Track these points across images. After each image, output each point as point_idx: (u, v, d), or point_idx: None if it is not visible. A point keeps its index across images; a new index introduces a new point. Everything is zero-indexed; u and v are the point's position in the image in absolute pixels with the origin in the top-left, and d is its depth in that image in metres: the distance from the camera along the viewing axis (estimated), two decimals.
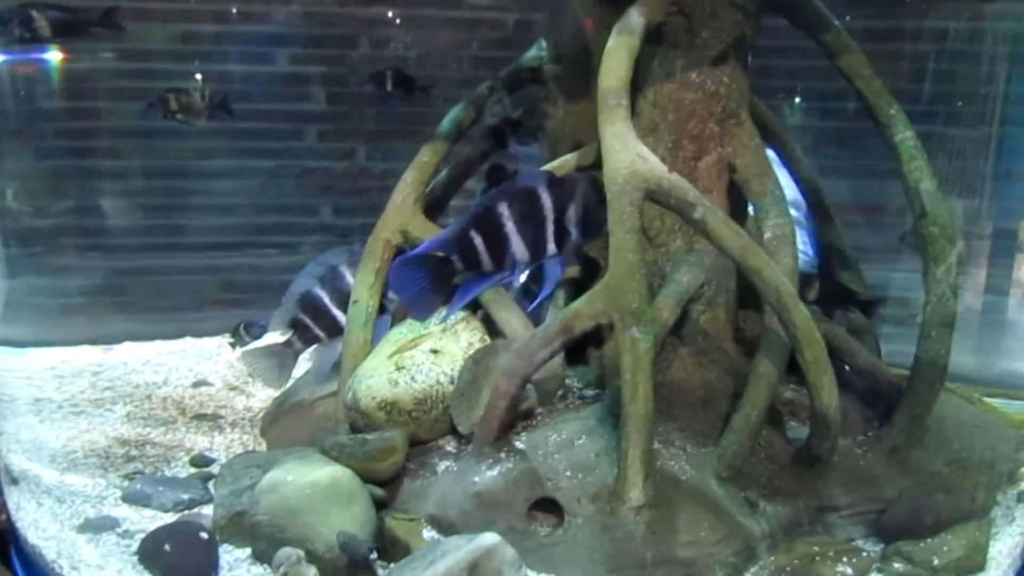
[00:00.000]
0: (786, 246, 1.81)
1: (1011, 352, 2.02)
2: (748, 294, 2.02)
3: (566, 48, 2.23)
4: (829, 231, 2.25)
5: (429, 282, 1.76)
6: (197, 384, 2.64)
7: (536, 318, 2.11)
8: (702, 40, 1.89)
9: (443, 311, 1.95)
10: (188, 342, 3.12)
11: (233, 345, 2.88)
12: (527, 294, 2.18)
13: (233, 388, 2.63)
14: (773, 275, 1.60)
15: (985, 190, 2.17)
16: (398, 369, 1.88)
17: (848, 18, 1.90)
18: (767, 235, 1.83)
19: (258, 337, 2.86)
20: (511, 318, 2.01)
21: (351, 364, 2.04)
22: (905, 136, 1.86)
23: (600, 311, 1.62)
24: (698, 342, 1.94)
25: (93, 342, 3.01)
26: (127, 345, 3.06)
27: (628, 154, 1.63)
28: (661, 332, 1.79)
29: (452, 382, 1.88)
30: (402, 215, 2.18)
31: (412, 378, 1.87)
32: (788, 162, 2.19)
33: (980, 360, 2.02)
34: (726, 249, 1.61)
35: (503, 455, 1.71)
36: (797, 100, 3.05)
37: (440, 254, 1.77)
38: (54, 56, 2.16)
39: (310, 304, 2.23)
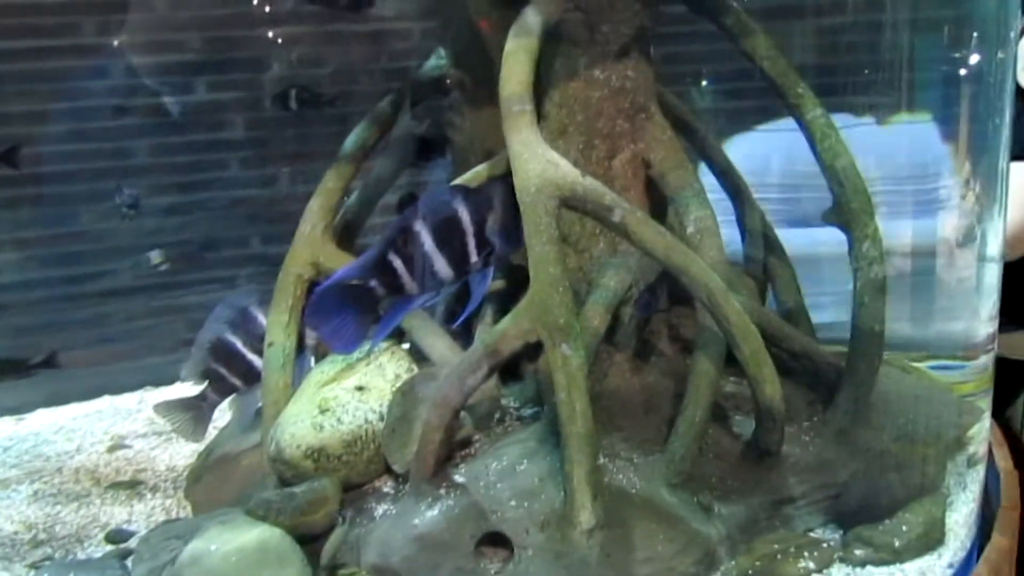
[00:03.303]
0: (710, 238, 1.76)
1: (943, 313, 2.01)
2: (678, 291, 1.97)
3: (465, 54, 2.14)
4: (751, 217, 2.22)
5: (351, 312, 1.68)
6: (113, 448, 2.47)
7: (465, 338, 2.03)
8: (602, 35, 1.83)
9: (369, 343, 1.87)
10: (105, 400, 2.94)
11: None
12: (453, 316, 2.09)
13: (154, 447, 2.47)
14: (700, 271, 1.54)
15: None
16: (322, 412, 1.76)
17: None
18: (690, 229, 1.78)
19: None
20: (437, 343, 1.92)
21: (273, 412, 1.91)
22: (816, 114, 1.83)
23: (527, 330, 1.54)
24: (632, 346, 1.88)
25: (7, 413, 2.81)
26: (40, 413, 2.87)
27: (538, 162, 1.55)
28: (593, 341, 1.72)
29: (382, 419, 1.77)
30: (312, 246, 2.06)
31: (338, 420, 1.75)
32: (701, 150, 2.15)
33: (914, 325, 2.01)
34: (649, 250, 1.55)
35: (443, 491, 1.61)
36: (704, 83, 3.03)
37: (359, 282, 1.69)
38: None
39: (222, 351, 2.08)
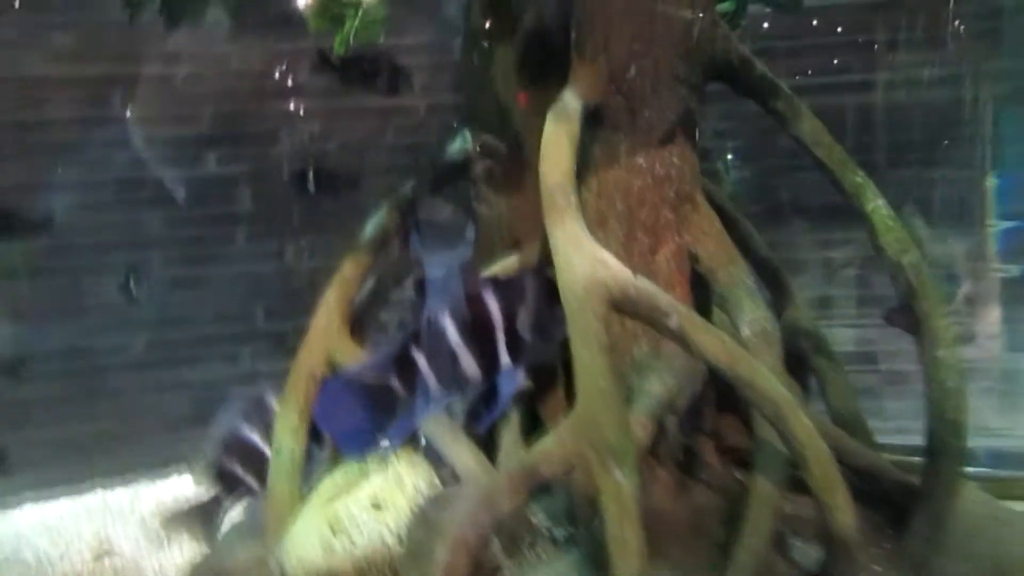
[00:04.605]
0: (769, 344, 1.59)
1: None
2: (725, 397, 1.80)
3: (491, 137, 2.03)
4: (792, 311, 2.05)
5: (365, 412, 1.52)
6: (99, 556, 2.25)
7: (488, 441, 1.85)
8: (645, 120, 1.71)
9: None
10: (97, 496, 2.73)
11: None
12: (476, 417, 1.91)
13: (144, 557, 2.25)
14: (767, 385, 1.37)
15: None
16: (333, 531, 1.58)
17: None
18: (745, 332, 1.61)
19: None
20: (461, 453, 1.73)
21: (277, 526, 1.72)
22: (877, 205, 1.69)
23: (572, 451, 1.35)
24: (678, 460, 1.69)
25: None
26: (27, 508, 2.65)
27: (586, 260, 1.40)
28: (639, 455, 1.54)
29: (400, 541, 1.57)
30: (327, 340, 1.90)
31: (351, 540, 1.56)
32: (741, 241, 2.01)
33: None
34: (710, 360, 1.38)
35: None
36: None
37: (376, 379, 1.53)
38: None
39: (238, 448, 1.89)
